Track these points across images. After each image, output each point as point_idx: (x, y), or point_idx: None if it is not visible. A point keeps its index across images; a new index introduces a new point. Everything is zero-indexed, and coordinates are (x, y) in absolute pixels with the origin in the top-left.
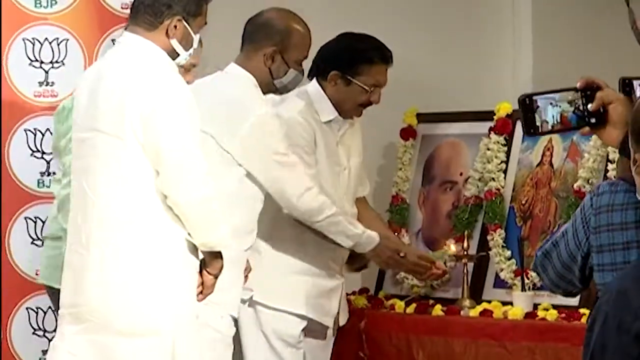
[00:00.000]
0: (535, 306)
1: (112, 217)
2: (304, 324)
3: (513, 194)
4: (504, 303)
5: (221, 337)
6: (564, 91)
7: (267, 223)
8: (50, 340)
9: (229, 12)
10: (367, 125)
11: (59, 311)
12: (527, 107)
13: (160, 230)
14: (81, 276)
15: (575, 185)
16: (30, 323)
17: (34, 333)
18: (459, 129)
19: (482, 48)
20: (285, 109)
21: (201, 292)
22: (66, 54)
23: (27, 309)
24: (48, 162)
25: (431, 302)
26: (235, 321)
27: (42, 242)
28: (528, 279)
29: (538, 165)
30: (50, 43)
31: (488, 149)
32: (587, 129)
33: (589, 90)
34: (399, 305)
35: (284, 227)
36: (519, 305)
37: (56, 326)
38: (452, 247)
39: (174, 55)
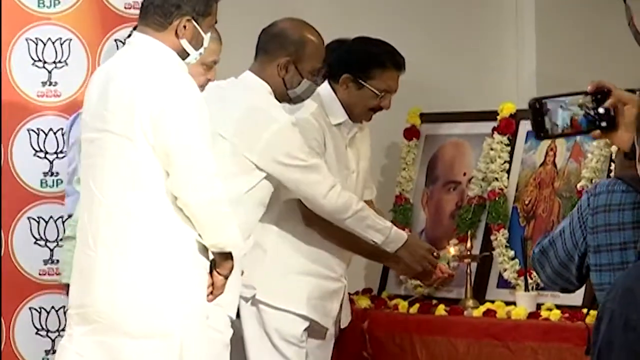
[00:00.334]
0: (539, 306)
1: (120, 218)
2: (306, 324)
3: (516, 194)
4: (508, 303)
5: (220, 337)
6: (574, 95)
7: (273, 222)
8: (53, 341)
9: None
10: (371, 125)
11: (68, 312)
12: (537, 110)
13: (170, 231)
14: (89, 277)
15: (578, 186)
16: (33, 323)
17: (37, 333)
18: (462, 129)
19: (485, 48)
20: (298, 110)
21: (211, 293)
22: (69, 54)
23: (30, 309)
24: (51, 162)
25: (434, 302)
26: (233, 321)
27: (45, 242)
28: (531, 279)
29: (541, 165)
30: (53, 43)
31: (491, 149)
32: (597, 132)
33: (600, 94)
34: (402, 305)
35: (290, 226)
36: (522, 305)
37: (59, 326)
38: (452, 250)
39: (183, 55)
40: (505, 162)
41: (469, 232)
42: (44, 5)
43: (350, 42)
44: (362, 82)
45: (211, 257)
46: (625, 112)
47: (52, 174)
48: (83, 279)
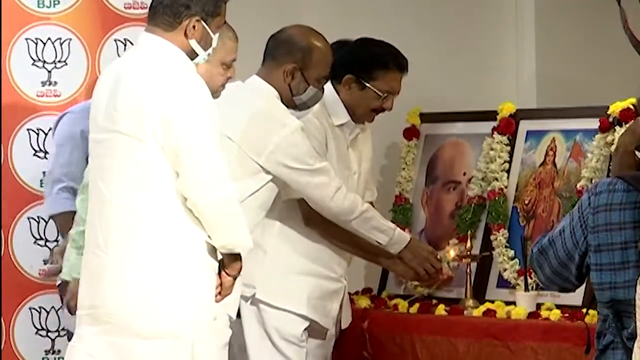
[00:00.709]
0: (539, 306)
1: (130, 219)
2: (306, 323)
3: (516, 193)
4: (507, 303)
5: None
6: None
7: (274, 222)
8: (53, 340)
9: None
10: (371, 125)
11: (77, 312)
12: None
13: (180, 232)
14: (99, 278)
15: (578, 185)
16: (33, 323)
17: (37, 333)
18: (462, 128)
19: (485, 48)
20: (304, 116)
21: (219, 293)
22: (69, 54)
23: (30, 309)
24: None
25: (434, 302)
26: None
27: (45, 242)
28: (531, 278)
29: (541, 165)
30: (53, 43)
31: (491, 149)
32: None
33: None
34: (402, 305)
35: (291, 226)
36: (522, 305)
37: (59, 326)
38: (451, 252)
39: (192, 55)
40: (505, 162)
41: (469, 232)
42: (43, 5)
43: (353, 43)
44: (365, 83)
45: (219, 257)
46: None
47: None
48: (93, 279)
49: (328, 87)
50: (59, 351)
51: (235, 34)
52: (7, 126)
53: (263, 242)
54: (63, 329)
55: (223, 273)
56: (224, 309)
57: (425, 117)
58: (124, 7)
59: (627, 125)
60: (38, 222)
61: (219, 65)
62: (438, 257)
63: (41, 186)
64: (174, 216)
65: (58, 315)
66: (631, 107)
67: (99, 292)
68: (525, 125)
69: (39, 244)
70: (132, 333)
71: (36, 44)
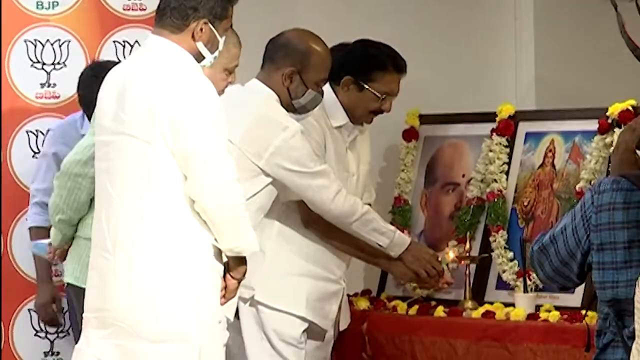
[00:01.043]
0: (538, 307)
1: (139, 222)
2: (304, 325)
3: (515, 195)
4: (506, 304)
5: None
6: None
7: (273, 224)
8: (52, 342)
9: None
10: (370, 126)
11: (84, 315)
12: None
13: (187, 235)
14: (107, 281)
15: (577, 187)
16: (32, 324)
17: (35, 334)
18: (461, 130)
19: (484, 50)
20: (303, 120)
21: (223, 296)
22: (68, 56)
23: (29, 310)
24: None
25: (433, 303)
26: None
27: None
28: (530, 280)
29: (540, 166)
30: (52, 44)
31: (490, 151)
32: None
33: None
34: (402, 306)
35: (289, 228)
36: (521, 306)
37: (58, 327)
38: (451, 254)
39: (199, 58)
40: (504, 163)
41: (468, 234)
42: (42, 7)
43: (351, 45)
44: (364, 85)
45: (224, 260)
46: None
47: None
48: (101, 282)
49: (326, 88)
50: (58, 353)
51: (239, 40)
52: (6, 128)
53: (262, 244)
54: (62, 331)
55: (228, 276)
56: (223, 311)
57: (425, 119)
58: (123, 9)
59: (628, 123)
60: None
61: (222, 70)
62: (439, 259)
63: None
64: (182, 219)
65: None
66: (630, 108)
67: (106, 295)
68: (524, 127)
69: None
70: (139, 336)
71: (35, 45)
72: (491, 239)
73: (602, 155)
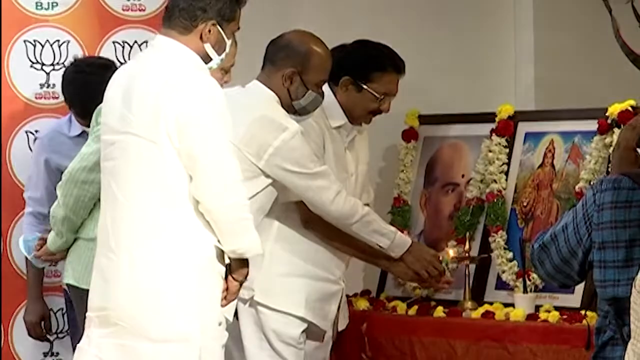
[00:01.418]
0: (537, 308)
1: (142, 222)
2: (304, 326)
3: (515, 195)
4: (506, 305)
5: None
6: None
7: (272, 225)
8: (51, 343)
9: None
10: (369, 127)
11: (87, 314)
12: None
13: (191, 235)
14: (110, 280)
15: (576, 187)
16: None
17: None
18: (460, 130)
19: (484, 50)
20: (304, 121)
21: (225, 298)
22: (67, 56)
23: None
24: None
25: (433, 303)
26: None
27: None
28: (530, 280)
29: (539, 166)
30: (51, 45)
31: (490, 151)
32: None
33: None
34: (401, 307)
35: (289, 229)
36: (521, 306)
37: (57, 328)
38: (451, 252)
39: (206, 59)
40: (503, 163)
41: (468, 234)
42: (42, 7)
43: (350, 45)
44: (362, 85)
45: (226, 262)
46: None
47: None
48: (104, 282)
49: (325, 89)
50: (57, 354)
51: (236, 39)
52: (6, 128)
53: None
54: (61, 332)
55: (230, 278)
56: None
57: (424, 119)
58: (122, 9)
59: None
60: None
61: (219, 70)
62: (440, 258)
63: None
64: (185, 219)
65: (56, 318)
66: (629, 108)
67: (108, 294)
68: (523, 127)
69: None
70: (141, 335)
71: (34, 46)
72: (491, 239)
73: (602, 156)
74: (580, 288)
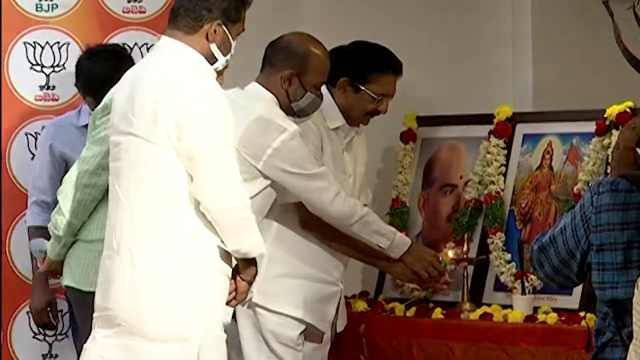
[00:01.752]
0: (535, 309)
1: (143, 222)
2: (302, 327)
3: (513, 197)
4: (504, 306)
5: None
6: None
7: (271, 226)
8: (50, 344)
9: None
10: (368, 128)
11: (93, 314)
12: None
13: (192, 235)
14: (112, 280)
15: (575, 189)
16: (30, 327)
17: (34, 337)
18: (459, 132)
19: (482, 51)
20: (302, 122)
21: (234, 298)
22: (67, 58)
23: (27, 312)
24: None
25: (431, 305)
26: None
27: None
28: (528, 282)
29: (538, 168)
30: (51, 47)
31: (488, 152)
32: None
33: None
34: (399, 308)
35: (287, 230)
36: (519, 308)
37: (57, 330)
38: (450, 253)
39: (212, 60)
40: (501, 165)
41: (466, 236)
42: (42, 9)
43: (348, 46)
44: (360, 86)
45: (234, 262)
46: None
47: None
48: (106, 282)
49: (323, 90)
50: (57, 355)
51: None
52: (5, 130)
53: None
54: (61, 333)
55: (238, 278)
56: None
57: (422, 121)
58: (122, 12)
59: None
60: None
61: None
62: (440, 259)
63: None
64: (187, 220)
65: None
66: (627, 110)
67: (110, 294)
68: (521, 129)
69: None
70: (142, 335)
71: (34, 47)
72: (489, 240)
73: (600, 157)
74: (578, 290)
